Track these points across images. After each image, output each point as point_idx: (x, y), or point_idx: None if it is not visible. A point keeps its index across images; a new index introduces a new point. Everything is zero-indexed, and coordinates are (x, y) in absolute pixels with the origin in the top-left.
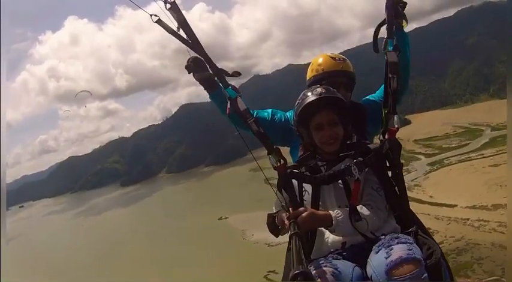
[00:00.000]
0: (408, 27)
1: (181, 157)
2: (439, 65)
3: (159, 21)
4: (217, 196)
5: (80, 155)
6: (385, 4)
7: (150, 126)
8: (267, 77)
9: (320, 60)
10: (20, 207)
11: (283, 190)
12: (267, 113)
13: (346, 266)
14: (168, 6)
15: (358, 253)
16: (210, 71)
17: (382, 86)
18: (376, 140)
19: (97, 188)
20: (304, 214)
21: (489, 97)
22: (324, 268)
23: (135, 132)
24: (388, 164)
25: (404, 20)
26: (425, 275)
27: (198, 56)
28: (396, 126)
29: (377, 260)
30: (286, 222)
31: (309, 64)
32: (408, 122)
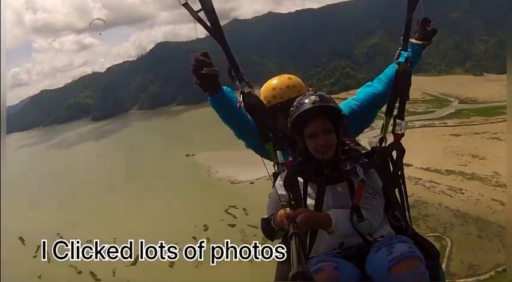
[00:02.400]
0: None
1: (153, 95)
2: None
3: (186, 5)
4: (186, 134)
5: (52, 89)
6: (404, 23)
7: (124, 62)
8: (246, 22)
9: (268, 89)
10: None
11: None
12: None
13: (345, 264)
14: None
15: (356, 254)
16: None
17: (363, 89)
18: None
19: (68, 122)
20: (303, 214)
21: (464, 72)
22: (326, 262)
23: (109, 67)
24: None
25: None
26: (427, 272)
27: (205, 52)
28: (402, 131)
29: (378, 258)
30: (286, 222)
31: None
32: None
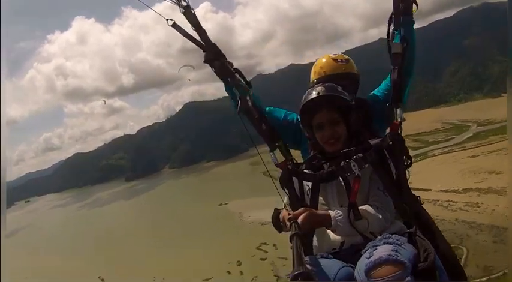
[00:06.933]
0: None
1: (184, 153)
2: (437, 66)
3: (175, 25)
4: (218, 187)
5: (85, 152)
6: None
7: (154, 124)
8: (270, 76)
9: (323, 61)
10: (26, 201)
11: (284, 188)
12: (281, 113)
13: (332, 265)
14: (183, 10)
15: (355, 253)
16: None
17: (384, 79)
18: None
19: (102, 183)
20: (303, 215)
21: (483, 96)
22: (307, 264)
23: (140, 129)
24: (391, 160)
25: (414, 3)
26: (408, 278)
27: (213, 44)
28: (399, 119)
29: (361, 260)
30: (287, 223)
31: (311, 64)
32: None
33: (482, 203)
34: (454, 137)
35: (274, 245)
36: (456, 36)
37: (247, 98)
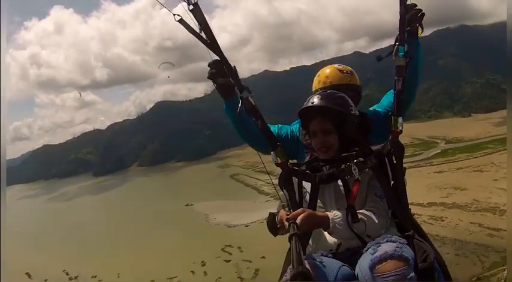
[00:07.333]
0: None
1: (153, 152)
2: None
3: (181, 21)
4: (185, 187)
5: (54, 144)
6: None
7: (125, 120)
8: (243, 81)
9: (327, 72)
10: None
11: (283, 189)
12: (274, 128)
13: (332, 264)
14: (191, 7)
15: (352, 256)
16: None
17: (386, 95)
18: None
19: (70, 177)
20: (302, 215)
21: (453, 115)
22: (307, 260)
23: (110, 125)
24: (389, 167)
25: (420, 27)
26: (412, 274)
27: (217, 60)
28: (400, 128)
29: (364, 257)
30: (286, 223)
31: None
32: None
33: (446, 217)
34: (422, 153)
35: (239, 247)
36: (431, 55)
37: (250, 98)
